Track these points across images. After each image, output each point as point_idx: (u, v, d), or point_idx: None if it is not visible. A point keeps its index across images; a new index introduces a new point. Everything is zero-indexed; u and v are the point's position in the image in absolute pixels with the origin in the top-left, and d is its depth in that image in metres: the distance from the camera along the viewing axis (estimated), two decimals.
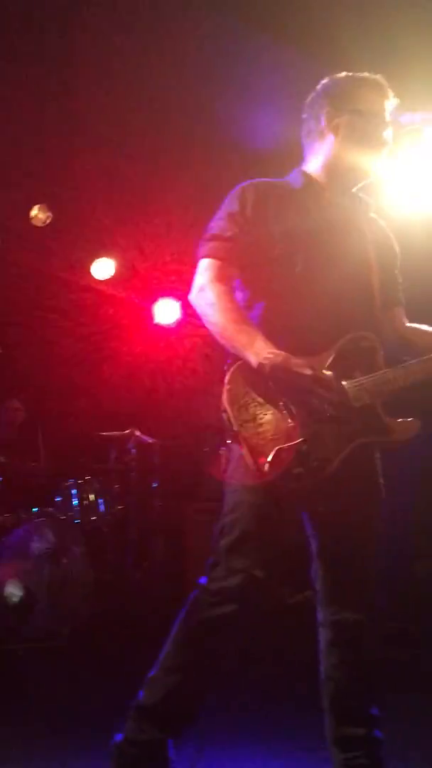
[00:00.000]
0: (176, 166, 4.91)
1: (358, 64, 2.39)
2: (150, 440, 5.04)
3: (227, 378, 2.18)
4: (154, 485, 5.12)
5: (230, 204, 2.33)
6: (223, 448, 2.27)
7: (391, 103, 2.33)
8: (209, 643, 2.16)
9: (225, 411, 2.16)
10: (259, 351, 2.12)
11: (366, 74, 2.34)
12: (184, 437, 5.76)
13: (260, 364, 2.11)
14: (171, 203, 5.18)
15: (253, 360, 2.13)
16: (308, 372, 2.09)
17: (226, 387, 2.17)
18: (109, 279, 5.85)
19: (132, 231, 5.62)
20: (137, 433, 4.95)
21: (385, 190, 2.76)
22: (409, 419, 2.22)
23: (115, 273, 5.85)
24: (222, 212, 2.34)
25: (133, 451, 5.02)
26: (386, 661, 2.43)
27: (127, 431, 5.00)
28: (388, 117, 2.32)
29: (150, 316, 5.96)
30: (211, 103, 4.39)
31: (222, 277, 2.26)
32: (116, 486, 4.93)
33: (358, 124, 2.30)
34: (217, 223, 2.33)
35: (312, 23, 3.76)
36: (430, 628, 4.34)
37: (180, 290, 5.87)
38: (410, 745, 2.80)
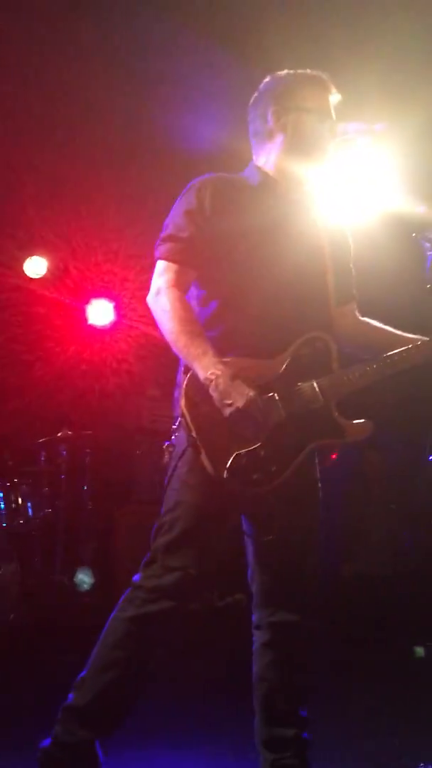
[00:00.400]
0: (111, 166, 4.86)
1: (290, 68, 2.40)
2: (86, 432, 4.96)
3: (185, 383, 2.17)
4: (85, 488, 5.05)
5: (187, 200, 2.30)
6: (167, 446, 2.26)
7: (334, 98, 2.36)
8: (141, 640, 2.15)
9: (182, 415, 2.15)
10: (207, 366, 2.12)
11: (308, 71, 2.36)
12: (117, 439, 5.70)
13: (205, 379, 2.11)
14: (105, 203, 5.14)
15: (201, 374, 2.12)
16: (238, 405, 2.07)
17: (184, 392, 2.16)
18: (42, 278, 5.75)
19: (65, 230, 5.54)
20: (69, 432, 4.88)
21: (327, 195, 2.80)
22: (362, 420, 2.25)
23: (48, 272, 5.76)
24: (179, 209, 2.31)
25: (64, 453, 4.94)
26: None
27: (59, 434, 4.92)
28: (333, 112, 2.34)
29: (83, 316, 5.88)
30: (147, 102, 4.37)
31: (178, 282, 2.24)
32: (45, 489, 4.84)
33: (306, 122, 2.32)
34: (174, 221, 2.30)
35: (244, 26, 3.80)
36: (357, 628, 4.43)
37: (114, 291, 5.83)
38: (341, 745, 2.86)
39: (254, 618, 2.38)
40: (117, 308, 5.80)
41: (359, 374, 2.24)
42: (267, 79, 2.42)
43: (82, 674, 2.18)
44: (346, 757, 2.76)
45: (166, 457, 2.26)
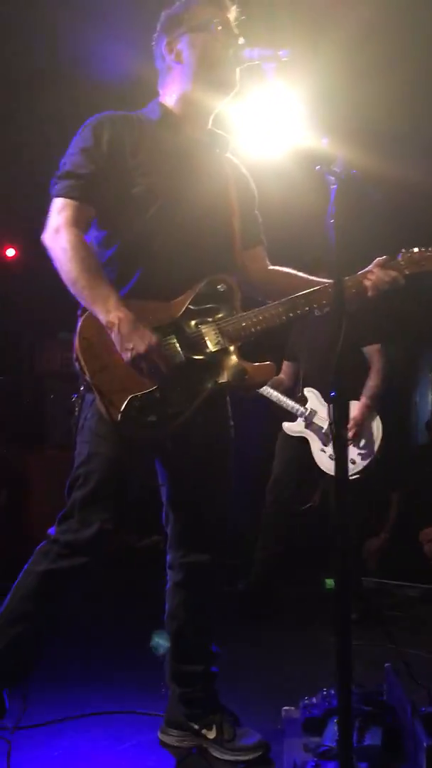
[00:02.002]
0: (19, 97, 4.58)
1: None
2: None
3: (79, 326, 2.09)
4: None
5: (84, 138, 2.19)
6: (75, 397, 2.19)
7: (232, 15, 2.24)
8: (54, 594, 2.12)
9: (77, 359, 2.08)
10: (109, 309, 2.03)
11: None
12: (28, 384, 5.58)
13: (107, 322, 2.03)
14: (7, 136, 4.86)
15: (102, 317, 2.04)
16: (140, 350, 2.01)
17: (79, 334, 2.08)
18: None
19: None
20: None
21: (234, 132, 2.71)
22: (266, 363, 2.23)
23: None
24: (75, 147, 2.19)
25: None
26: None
27: None
28: (233, 30, 2.22)
29: None
30: (58, 28, 4.09)
31: (77, 220, 2.13)
32: None
33: (197, 41, 2.22)
34: (71, 159, 2.18)
35: None
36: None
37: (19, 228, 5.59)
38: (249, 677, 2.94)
39: (168, 558, 2.40)
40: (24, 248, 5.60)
41: (262, 317, 2.20)
42: (160, 17, 2.30)
43: None
44: (254, 689, 2.85)
45: (75, 409, 2.19)
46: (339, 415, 1.78)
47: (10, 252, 6.24)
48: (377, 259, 2.30)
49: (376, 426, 3.92)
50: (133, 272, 2.16)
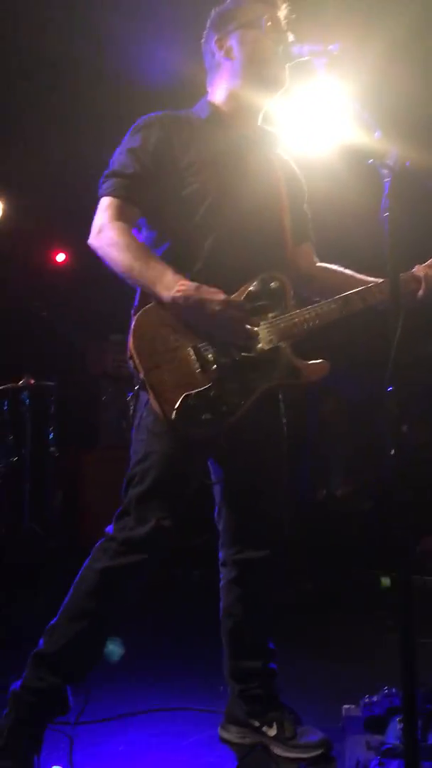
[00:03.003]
0: (64, 100, 4.65)
1: None
2: (48, 383, 4.89)
3: (133, 324, 2.10)
4: (51, 435, 5.00)
5: (131, 139, 2.22)
6: (130, 396, 2.21)
7: (282, 12, 2.24)
8: (114, 591, 2.14)
9: (132, 357, 2.09)
10: (169, 284, 2.05)
11: None
12: (81, 385, 5.65)
13: (173, 298, 2.04)
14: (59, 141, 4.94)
15: (165, 295, 2.05)
16: (221, 297, 2.04)
17: (132, 333, 2.09)
18: None
19: (23, 171, 5.33)
20: (32, 381, 4.80)
21: (281, 129, 2.70)
22: (319, 361, 2.22)
23: (4, 215, 5.59)
24: (122, 147, 2.22)
25: (27, 401, 4.87)
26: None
27: (20, 382, 4.84)
28: (283, 27, 2.23)
29: (43, 261, 5.76)
30: (104, 32, 4.13)
31: (123, 216, 2.15)
32: (10, 437, 4.78)
33: (247, 38, 2.23)
34: (118, 159, 2.21)
35: None
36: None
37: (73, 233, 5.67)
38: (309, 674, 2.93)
39: (221, 555, 2.41)
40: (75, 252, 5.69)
41: (315, 314, 2.19)
42: (211, 12, 2.31)
43: (53, 622, 2.18)
44: (313, 687, 2.83)
45: (131, 408, 2.21)
46: (396, 410, 1.76)
47: (61, 257, 6.35)
48: None
49: None
50: (184, 273, 2.15)
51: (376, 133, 1.93)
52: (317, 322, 2.19)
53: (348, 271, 2.41)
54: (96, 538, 2.21)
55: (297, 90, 2.29)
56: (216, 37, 2.27)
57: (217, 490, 2.39)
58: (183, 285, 2.04)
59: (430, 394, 4.17)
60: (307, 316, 2.19)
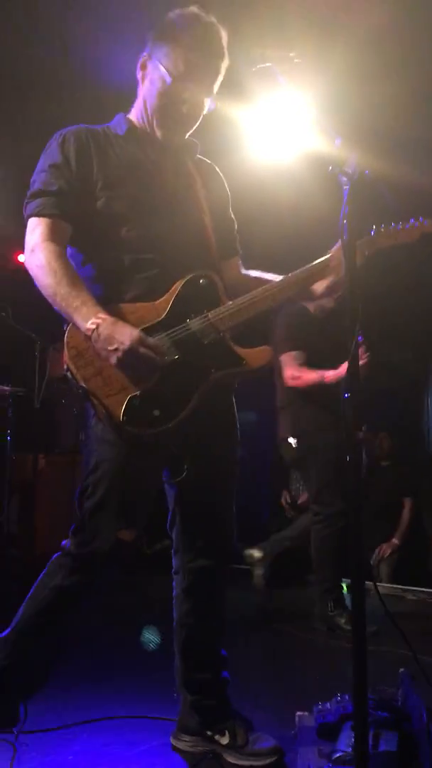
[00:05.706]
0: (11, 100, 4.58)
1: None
2: (5, 389, 4.82)
3: (66, 335, 2.06)
4: (8, 439, 4.92)
5: (51, 155, 2.18)
6: (76, 412, 2.17)
7: (207, 57, 2.15)
8: (68, 608, 2.12)
9: (68, 369, 2.05)
10: (87, 316, 2.01)
11: (178, 10, 2.18)
12: (39, 388, 5.56)
13: (87, 329, 2.00)
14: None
15: (81, 327, 2.02)
16: (128, 340, 1.98)
17: (67, 344, 2.05)
18: None
19: None
20: None
21: (245, 138, 2.70)
22: (261, 347, 2.21)
23: None
24: (43, 164, 2.18)
25: None
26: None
27: None
28: (199, 73, 2.15)
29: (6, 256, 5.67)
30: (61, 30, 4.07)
31: (53, 236, 2.11)
32: None
33: (156, 74, 2.17)
34: (40, 177, 2.17)
35: None
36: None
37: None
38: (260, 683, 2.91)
39: (174, 563, 2.38)
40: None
41: (249, 302, 2.17)
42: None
43: (4, 634, 2.14)
44: (267, 694, 2.82)
45: (80, 424, 2.16)
46: (351, 417, 1.77)
47: (22, 257, 6.25)
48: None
49: None
50: (111, 290, 2.14)
51: (337, 140, 1.93)
52: (253, 308, 2.17)
53: (268, 275, 2.37)
54: (52, 545, 2.18)
55: (259, 96, 2.27)
56: (144, 53, 2.23)
57: (169, 497, 2.36)
58: (98, 319, 2.00)
59: (393, 402, 4.19)
60: (241, 305, 2.16)
